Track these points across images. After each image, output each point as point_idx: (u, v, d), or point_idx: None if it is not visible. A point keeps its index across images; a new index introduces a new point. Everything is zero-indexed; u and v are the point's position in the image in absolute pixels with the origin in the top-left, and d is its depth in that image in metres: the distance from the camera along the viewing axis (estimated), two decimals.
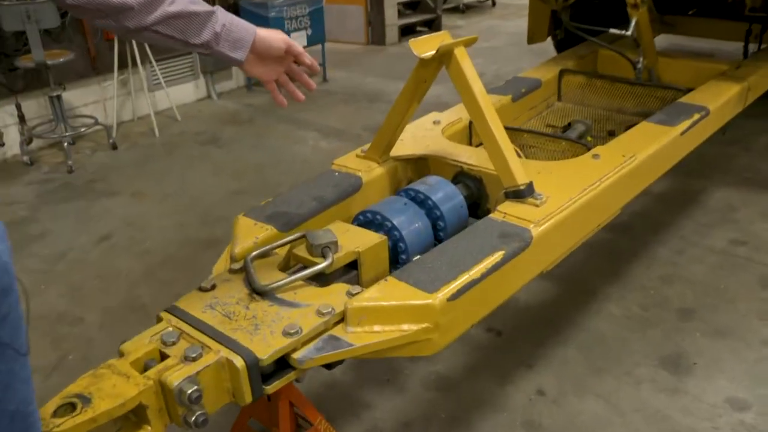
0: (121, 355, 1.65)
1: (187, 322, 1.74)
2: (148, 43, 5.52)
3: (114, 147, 5.48)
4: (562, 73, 3.76)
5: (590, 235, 2.40)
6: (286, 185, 4.62)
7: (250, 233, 2.14)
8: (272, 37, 1.75)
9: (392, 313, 1.74)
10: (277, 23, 6.42)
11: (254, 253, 2.00)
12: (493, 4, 11.16)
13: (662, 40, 5.41)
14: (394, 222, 2.12)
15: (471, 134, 3.09)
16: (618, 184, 2.43)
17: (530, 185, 2.21)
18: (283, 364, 1.69)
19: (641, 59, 3.74)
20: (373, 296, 1.76)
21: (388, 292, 1.78)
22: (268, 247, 2.04)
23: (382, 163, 2.61)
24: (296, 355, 1.68)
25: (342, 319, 1.76)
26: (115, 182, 4.86)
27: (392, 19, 8.74)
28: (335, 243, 1.95)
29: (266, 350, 1.63)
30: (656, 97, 3.53)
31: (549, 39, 4.80)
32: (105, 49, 5.70)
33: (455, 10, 10.63)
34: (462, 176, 2.57)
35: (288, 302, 1.82)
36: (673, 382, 2.63)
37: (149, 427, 1.54)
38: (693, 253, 3.50)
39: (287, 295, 1.85)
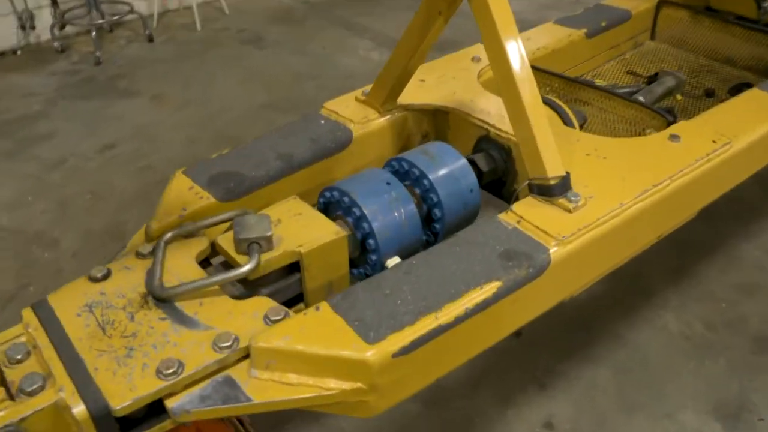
0: None
1: (46, 331, 1.30)
2: None
3: (150, 39, 5.03)
4: (661, 4, 2.90)
5: (638, 253, 1.76)
6: (319, 102, 4.08)
7: (179, 201, 1.64)
8: None
9: (313, 362, 1.23)
10: None
11: (170, 234, 1.51)
12: None
13: None
14: (365, 209, 1.56)
15: None
16: (697, 184, 1.74)
17: (565, 180, 1.57)
18: (159, 406, 1.24)
19: None
20: (291, 334, 1.25)
21: (314, 329, 1.26)
22: (191, 225, 1.54)
23: (384, 112, 2.01)
24: (171, 403, 1.22)
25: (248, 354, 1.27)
26: (140, 80, 4.45)
27: None
28: (267, 239, 1.42)
29: (125, 396, 1.18)
30: None
31: None
32: None
33: None
34: (486, 142, 1.94)
35: (186, 318, 1.34)
36: None
37: None
38: None
39: (191, 305, 1.37)
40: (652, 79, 2.64)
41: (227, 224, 1.56)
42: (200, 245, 1.52)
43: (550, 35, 2.60)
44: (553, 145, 1.57)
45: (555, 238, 1.46)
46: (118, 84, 4.42)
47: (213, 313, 1.35)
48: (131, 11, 5.06)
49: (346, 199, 1.59)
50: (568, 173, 1.58)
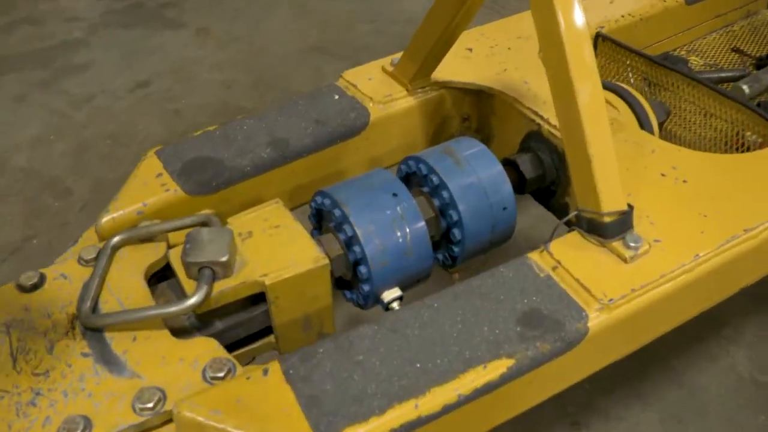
0: None
1: None
2: None
3: None
4: None
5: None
6: (372, 50, 3.69)
7: (143, 191, 1.36)
8: None
9: None
10: None
11: (118, 237, 1.23)
12: None
13: None
14: (357, 229, 1.23)
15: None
16: None
17: (625, 217, 1.18)
18: None
19: None
20: (223, 407, 0.96)
21: (253, 403, 0.96)
22: (148, 227, 1.26)
23: (414, 90, 1.63)
24: None
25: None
26: (189, 11, 4.15)
27: None
28: (222, 264, 1.12)
29: None
30: None
31: None
32: None
33: None
34: (536, 140, 1.54)
35: (113, 357, 1.08)
36: None
37: None
38: None
39: (123, 338, 1.10)
40: (762, 62, 2.12)
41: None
42: (155, 254, 1.24)
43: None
44: (614, 169, 1.17)
45: (599, 300, 1.09)
46: (166, 13, 4.14)
47: (145, 353, 1.08)
48: None
49: (337, 212, 1.26)
50: (630, 208, 1.19)
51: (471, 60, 1.74)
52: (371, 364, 1.00)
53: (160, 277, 1.27)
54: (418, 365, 0.99)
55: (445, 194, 1.33)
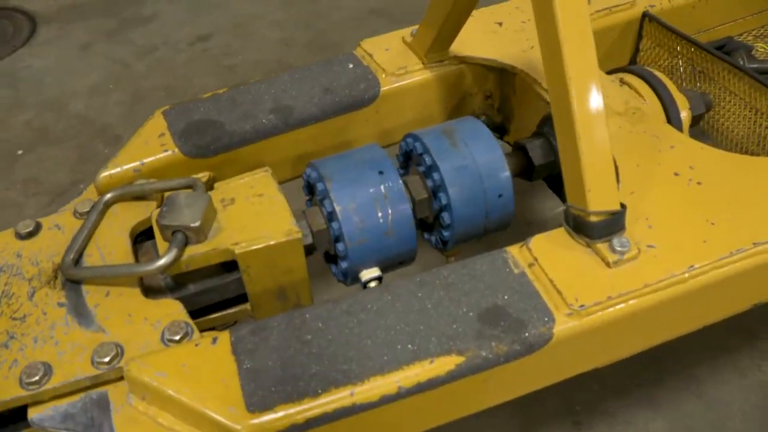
0: None
1: None
2: None
3: None
4: None
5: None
6: None
7: (141, 150, 1.39)
8: None
9: (184, 411, 0.96)
10: None
11: (111, 194, 1.28)
12: None
13: None
14: (336, 205, 1.21)
15: (639, 41, 1.80)
16: None
17: (615, 218, 1.09)
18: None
19: None
20: (169, 369, 0.98)
21: (196, 369, 0.98)
22: (141, 186, 1.30)
23: (430, 63, 1.57)
24: (32, 413, 1.03)
25: None
26: None
27: None
28: (195, 230, 1.14)
29: None
30: None
31: None
32: None
33: None
34: (551, 126, 1.41)
35: (84, 310, 1.13)
36: None
37: None
38: None
39: (97, 292, 1.15)
40: None
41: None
42: (144, 213, 1.27)
43: None
44: (607, 166, 1.09)
45: (568, 305, 1.03)
46: None
47: (114, 309, 1.11)
48: None
49: (320, 185, 1.24)
50: (623, 208, 1.10)
51: (498, 35, 1.65)
52: (318, 344, 0.99)
53: (150, 235, 1.31)
54: (363, 351, 0.98)
55: (436, 176, 1.28)
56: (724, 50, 1.97)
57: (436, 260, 1.63)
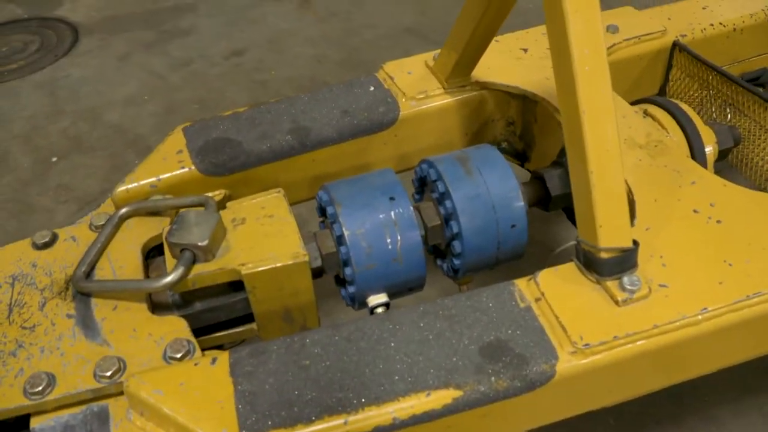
0: None
1: None
2: None
3: None
4: None
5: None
6: None
7: (159, 166, 1.41)
8: None
9: (179, 430, 0.97)
10: None
11: (126, 208, 1.30)
12: None
13: None
14: (345, 230, 1.21)
15: (669, 71, 1.77)
16: None
17: (626, 256, 1.07)
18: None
19: None
20: (166, 388, 0.99)
21: (193, 389, 0.99)
22: (156, 202, 1.32)
23: (451, 88, 1.57)
24: (35, 422, 1.05)
25: None
26: None
27: None
28: (202, 249, 1.15)
29: None
30: None
31: None
32: None
33: None
34: None
35: (92, 322, 1.14)
36: None
37: None
38: None
39: (106, 305, 1.16)
40: None
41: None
42: (157, 229, 1.29)
43: (739, 6, 1.88)
44: (620, 202, 1.06)
45: (572, 343, 1.00)
46: None
47: (120, 324, 1.13)
48: None
49: (330, 209, 1.24)
50: (635, 245, 1.07)
51: (522, 61, 1.64)
52: (316, 370, 0.99)
53: (163, 250, 1.32)
54: (360, 380, 0.97)
55: (448, 204, 1.27)
56: (759, 82, 1.92)
57: (453, 286, 1.62)
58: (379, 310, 1.25)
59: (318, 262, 1.25)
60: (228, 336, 1.28)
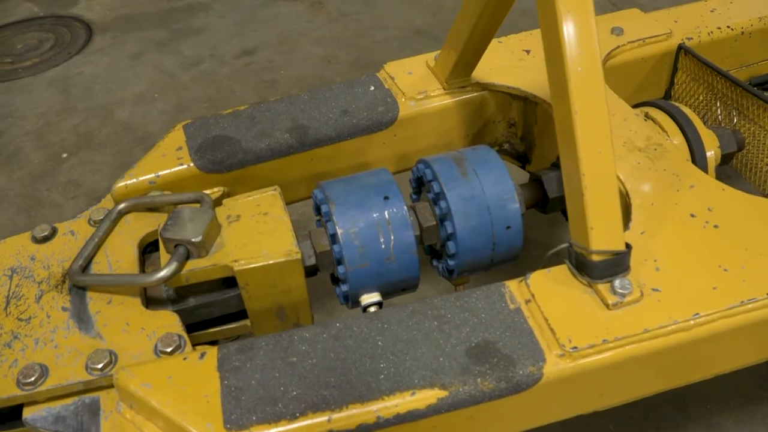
0: None
1: None
2: None
3: None
4: None
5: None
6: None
7: (158, 162, 1.43)
8: None
9: (166, 423, 0.97)
10: None
11: (125, 204, 1.31)
12: None
13: None
14: (338, 228, 1.21)
15: (674, 74, 1.75)
16: None
17: (618, 259, 1.06)
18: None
19: None
20: (154, 381, 1.00)
21: (181, 383, 0.99)
22: (154, 197, 1.33)
23: (451, 88, 1.57)
24: (28, 412, 1.07)
25: None
26: None
27: None
28: (196, 245, 1.16)
29: None
30: None
31: None
32: None
33: None
34: None
35: (86, 315, 1.16)
36: None
37: None
38: None
39: (100, 299, 1.18)
40: None
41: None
42: (154, 224, 1.30)
43: (748, 9, 1.85)
44: (613, 204, 1.05)
45: (561, 346, 1.00)
46: None
47: (114, 317, 1.14)
48: None
49: (324, 207, 1.25)
50: (627, 249, 1.06)
51: (524, 63, 1.64)
52: (302, 367, 0.99)
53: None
54: (346, 378, 0.97)
55: (443, 204, 1.27)
56: (767, 86, 1.89)
57: (453, 288, 1.62)
58: (372, 309, 1.25)
59: (312, 260, 1.25)
60: (222, 332, 1.29)
